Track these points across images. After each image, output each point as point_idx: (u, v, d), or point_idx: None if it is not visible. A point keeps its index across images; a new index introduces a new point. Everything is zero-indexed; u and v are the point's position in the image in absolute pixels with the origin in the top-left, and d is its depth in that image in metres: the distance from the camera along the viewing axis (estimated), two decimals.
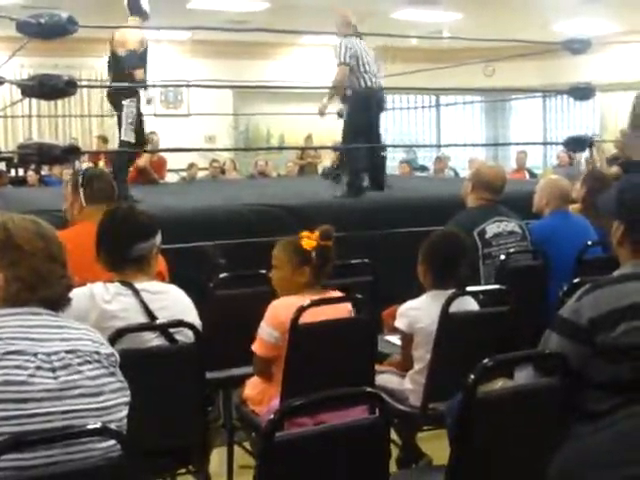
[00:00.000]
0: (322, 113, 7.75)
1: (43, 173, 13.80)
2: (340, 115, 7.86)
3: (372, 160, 7.66)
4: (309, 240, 3.82)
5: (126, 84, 6.91)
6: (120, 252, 3.41)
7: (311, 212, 6.17)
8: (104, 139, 15.43)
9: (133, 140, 7.09)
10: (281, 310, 3.66)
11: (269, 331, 3.67)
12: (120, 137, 7.10)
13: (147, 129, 7.31)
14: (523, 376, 3.12)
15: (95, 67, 16.76)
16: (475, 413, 2.53)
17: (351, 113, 7.51)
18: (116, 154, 7.23)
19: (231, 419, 4.22)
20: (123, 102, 7.01)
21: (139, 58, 7.14)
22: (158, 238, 3.52)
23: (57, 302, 2.32)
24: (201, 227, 5.87)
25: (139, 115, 7.15)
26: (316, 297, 3.68)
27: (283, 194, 7.73)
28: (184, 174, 14.30)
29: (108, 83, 16.23)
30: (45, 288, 2.28)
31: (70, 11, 5.93)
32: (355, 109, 7.50)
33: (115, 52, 7.19)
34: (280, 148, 17.11)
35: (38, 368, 2.12)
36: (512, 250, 5.10)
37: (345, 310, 3.83)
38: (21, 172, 14.10)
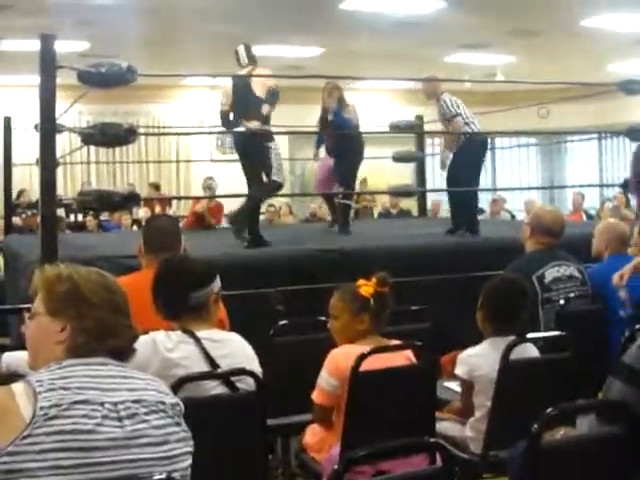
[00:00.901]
0: (444, 164, 8.06)
1: (102, 218, 13.96)
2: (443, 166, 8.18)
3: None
4: (367, 287, 3.83)
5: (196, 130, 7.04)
6: (177, 301, 3.41)
7: (369, 257, 6.16)
8: (156, 186, 15.60)
9: (282, 181, 7.34)
10: (340, 358, 3.67)
11: (328, 379, 3.68)
12: (272, 178, 7.24)
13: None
14: (586, 424, 3.09)
15: (152, 113, 17.03)
16: (539, 462, 2.51)
17: (467, 158, 7.81)
18: (249, 196, 7.37)
19: (290, 466, 4.22)
20: (270, 144, 7.19)
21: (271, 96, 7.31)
22: (216, 285, 3.52)
23: (123, 352, 2.36)
24: (258, 273, 5.88)
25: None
26: (375, 345, 3.69)
27: (340, 238, 7.75)
28: None
29: (168, 130, 16.47)
30: (111, 339, 2.32)
31: (127, 58, 6.05)
32: (470, 154, 7.84)
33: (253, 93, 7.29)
34: (335, 193, 17.17)
35: (105, 417, 2.15)
36: (572, 295, 5.06)
37: (404, 357, 3.83)
38: (79, 217, 14.28)
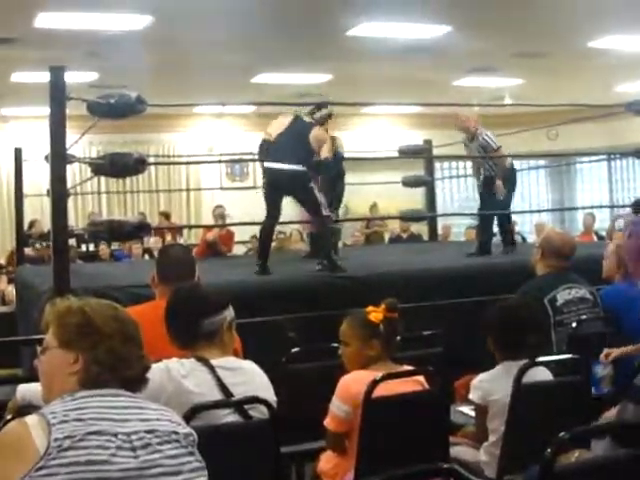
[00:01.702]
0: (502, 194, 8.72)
1: (112, 247, 13.99)
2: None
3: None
4: (376, 313, 3.84)
5: (207, 160, 6.97)
6: (189, 329, 3.41)
7: (381, 283, 6.16)
8: (166, 215, 15.66)
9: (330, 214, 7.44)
10: (352, 384, 3.68)
11: (340, 406, 3.68)
12: (323, 214, 7.18)
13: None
14: (601, 447, 3.09)
15: (162, 142, 17.09)
16: None
17: (506, 185, 8.64)
18: (324, 228, 7.45)
19: None
20: (312, 185, 7.15)
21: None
22: (229, 313, 3.51)
23: (136, 382, 2.37)
24: (270, 300, 5.89)
25: None
26: (386, 370, 3.69)
27: (353, 265, 7.75)
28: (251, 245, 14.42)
29: (178, 159, 16.51)
30: (123, 369, 2.33)
31: (136, 88, 6.08)
32: (508, 183, 8.71)
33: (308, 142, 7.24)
34: (354, 219, 17.18)
35: (119, 448, 2.15)
36: (584, 317, 5.05)
37: (416, 383, 3.83)
38: (91, 247, 14.30)
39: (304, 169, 7.06)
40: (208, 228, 12.06)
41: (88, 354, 2.32)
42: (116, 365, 2.33)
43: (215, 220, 12.32)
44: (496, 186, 8.63)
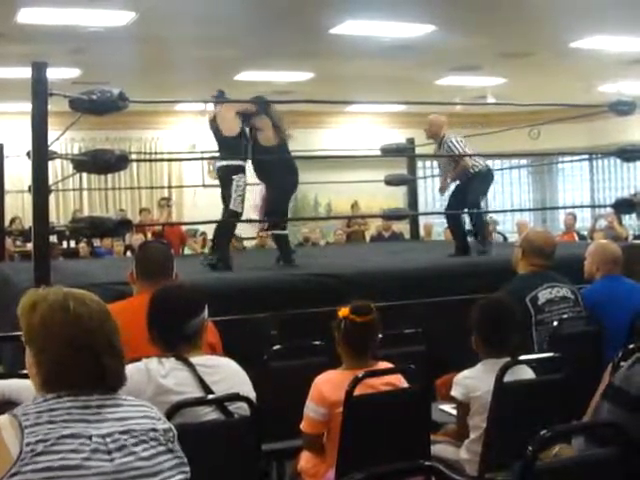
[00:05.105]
0: (444, 190, 8.82)
1: (94, 244, 13.97)
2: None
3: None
4: (342, 313, 3.83)
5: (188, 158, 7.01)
6: (175, 332, 3.38)
7: (363, 281, 6.15)
8: (147, 212, 15.64)
9: (240, 210, 7.37)
10: (323, 386, 3.70)
11: (315, 408, 3.70)
12: (229, 207, 7.27)
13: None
14: (580, 443, 3.10)
15: (145, 139, 17.05)
16: None
17: (477, 188, 8.52)
18: (221, 223, 7.54)
19: None
20: (233, 177, 7.24)
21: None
22: (206, 311, 3.52)
23: (112, 382, 2.27)
24: (252, 298, 5.87)
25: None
26: (362, 370, 3.69)
27: (335, 263, 7.75)
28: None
29: (160, 156, 16.54)
30: (66, 376, 2.22)
31: (118, 85, 6.06)
32: (481, 184, 8.56)
33: (222, 133, 7.39)
34: (336, 217, 17.12)
35: (94, 451, 2.11)
36: (565, 316, 5.06)
37: (395, 380, 3.82)
38: (72, 243, 14.27)
39: (232, 163, 7.26)
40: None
41: (39, 356, 2.24)
42: (62, 370, 2.22)
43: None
44: (442, 181, 8.75)
